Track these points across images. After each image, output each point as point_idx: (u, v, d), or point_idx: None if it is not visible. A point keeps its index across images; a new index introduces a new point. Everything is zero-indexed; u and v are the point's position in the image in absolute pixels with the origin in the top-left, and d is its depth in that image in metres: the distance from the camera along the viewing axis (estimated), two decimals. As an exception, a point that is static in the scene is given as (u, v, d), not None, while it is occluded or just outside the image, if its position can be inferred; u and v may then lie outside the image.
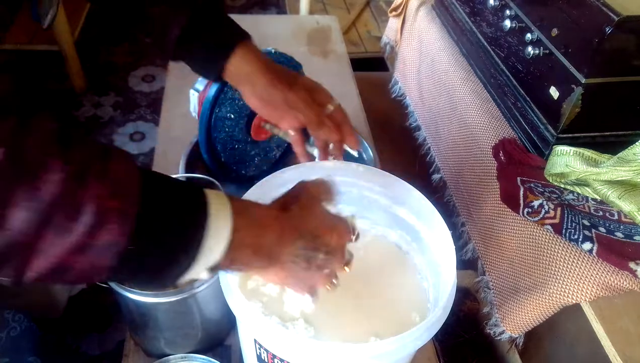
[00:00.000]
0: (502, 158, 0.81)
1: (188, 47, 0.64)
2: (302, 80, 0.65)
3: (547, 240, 0.69)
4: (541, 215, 0.70)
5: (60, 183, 0.31)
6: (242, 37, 0.65)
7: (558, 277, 0.66)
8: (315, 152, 0.70)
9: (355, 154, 0.70)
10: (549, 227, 0.68)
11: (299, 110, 0.63)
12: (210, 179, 0.74)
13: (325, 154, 0.68)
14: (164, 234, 0.35)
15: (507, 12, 0.88)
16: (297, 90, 0.63)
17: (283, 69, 0.66)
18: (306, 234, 0.43)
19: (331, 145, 0.67)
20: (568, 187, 0.75)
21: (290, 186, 0.50)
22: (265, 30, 1.49)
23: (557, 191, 0.75)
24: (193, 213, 0.36)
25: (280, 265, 0.43)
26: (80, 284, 0.29)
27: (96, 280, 0.35)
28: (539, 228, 0.70)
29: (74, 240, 0.31)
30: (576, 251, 0.65)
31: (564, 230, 0.67)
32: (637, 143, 0.68)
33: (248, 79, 0.64)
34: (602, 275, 0.62)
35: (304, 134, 0.68)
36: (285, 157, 0.93)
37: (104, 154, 0.34)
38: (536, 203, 0.71)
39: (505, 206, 0.76)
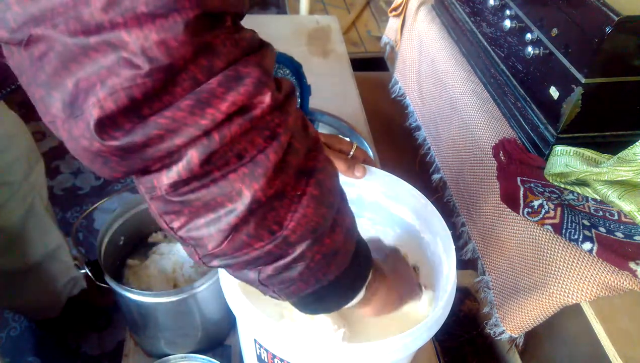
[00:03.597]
0: (502, 158, 0.81)
1: None
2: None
3: (547, 240, 0.69)
4: (541, 215, 0.70)
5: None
6: None
7: (558, 277, 0.66)
8: None
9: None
10: (549, 227, 0.68)
11: None
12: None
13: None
14: (354, 279, 0.46)
15: (507, 12, 0.88)
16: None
17: None
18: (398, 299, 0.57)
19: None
20: (568, 187, 0.75)
21: None
22: (265, 30, 1.48)
23: (557, 191, 0.75)
24: (368, 269, 0.47)
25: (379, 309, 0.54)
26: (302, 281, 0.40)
27: (329, 277, 0.42)
28: (539, 228, 0.70)
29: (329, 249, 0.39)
30: (576, 251, 0.65)
31: (564, 230, 0.67)
32: (637, 143, 0.68)
33: None
34: (602, 275, 0.62)
35: None
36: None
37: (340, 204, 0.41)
38: (536, 203, 0.71)
39: (505, 206, 0.76)
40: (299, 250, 0.36)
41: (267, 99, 0.31)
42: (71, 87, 0.28)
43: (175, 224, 0.34)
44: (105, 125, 0.28)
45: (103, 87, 0.27)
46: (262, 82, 0.31)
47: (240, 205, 0.32)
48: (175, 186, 0.31)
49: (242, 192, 0.32)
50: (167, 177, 0.31)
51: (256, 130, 0.31)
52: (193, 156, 0.30)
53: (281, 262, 0.37)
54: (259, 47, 0.33)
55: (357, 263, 0.45)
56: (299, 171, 0.35)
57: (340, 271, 0.42)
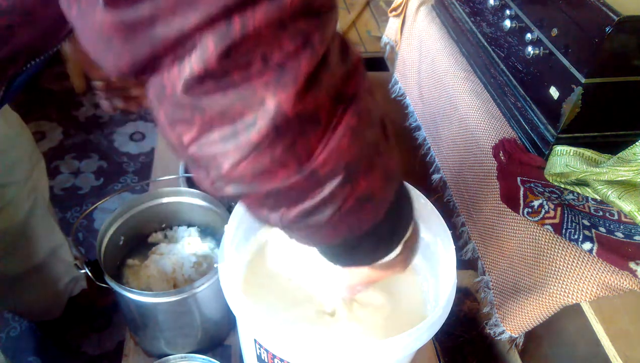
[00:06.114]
0: (502, 158, 0.81)
1: None
2: None
3: (547, 240, 0.69)
4: (541, 215, 0.70)
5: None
6: None
7: (558, 277, 0.66)
8: None
9: None
10: (549, 227, 0.68)
11: None
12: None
13: None
14: (392, 232, 0.41)
15: (507, 12, 0.88)
16: None
17: None
18: None
19: None
20: (568, 187, 0.75)
21: None
22: (265, 30, 1.48)
23: (557, 191, 0.75)
24: (408, 222, 0.42)
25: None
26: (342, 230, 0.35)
27: (363, 227, 0.36)
28: (539, 228, 0.70)
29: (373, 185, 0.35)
30: (576, 251, 0.65)
31: (564, 230, 0.67)
32: (637, 143, 0.68)
33: None
34: (602, 275, 0.62)
35: None
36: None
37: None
38: (536, 203, 0.71)
39: (505, 206, 0.76)
40: (327, 189, 0.31)
41: None
42: None
43: (186, 137, 0.29)
44: None
45: None
46: None
47: (262, 119, 0.27)
48: (187, 84, 0.27)
49: (265, 101, 0.27)
50: (179, 71, 0.26)
51: (286, 32, 0.26)
52: (209, 45, 0.25)
53: (307, 204, 0.32)
54: None
55: (396, 215, 0.39)
56: (336, 95, 0.30)
57: (377, 220, 0.37)
